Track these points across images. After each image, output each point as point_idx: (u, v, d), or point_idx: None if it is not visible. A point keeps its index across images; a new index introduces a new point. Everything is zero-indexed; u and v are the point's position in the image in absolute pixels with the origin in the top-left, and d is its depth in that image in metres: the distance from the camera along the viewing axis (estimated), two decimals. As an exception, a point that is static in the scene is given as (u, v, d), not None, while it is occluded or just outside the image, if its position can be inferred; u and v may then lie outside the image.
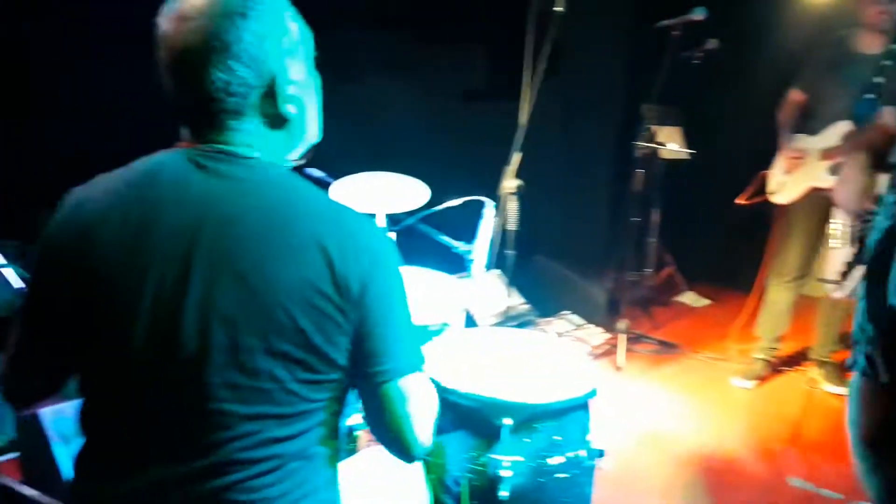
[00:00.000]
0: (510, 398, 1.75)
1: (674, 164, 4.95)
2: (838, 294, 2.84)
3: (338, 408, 1.20)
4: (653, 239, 5.04)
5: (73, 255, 1.11)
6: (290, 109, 1.16)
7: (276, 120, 1.16)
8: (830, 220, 3.21)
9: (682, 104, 4.90)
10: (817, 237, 3.57)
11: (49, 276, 1.15)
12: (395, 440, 1.21)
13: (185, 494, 1.10)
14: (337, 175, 2.68)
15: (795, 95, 3.56)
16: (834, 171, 3.39)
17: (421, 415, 1.21)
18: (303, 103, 1.19)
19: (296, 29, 1.17)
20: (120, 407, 1.14)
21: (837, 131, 3.36)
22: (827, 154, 3.39)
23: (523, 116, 3.23)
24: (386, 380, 1.16)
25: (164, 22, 1.12)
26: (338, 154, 3.11)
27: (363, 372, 1.16)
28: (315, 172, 2.57)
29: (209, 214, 1.09)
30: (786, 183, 3.58)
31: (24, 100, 3.33)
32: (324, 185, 2.54)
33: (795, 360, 4.02)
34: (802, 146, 3.51)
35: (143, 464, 1.12)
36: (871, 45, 3.27)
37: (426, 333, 2.31)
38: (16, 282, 2.01)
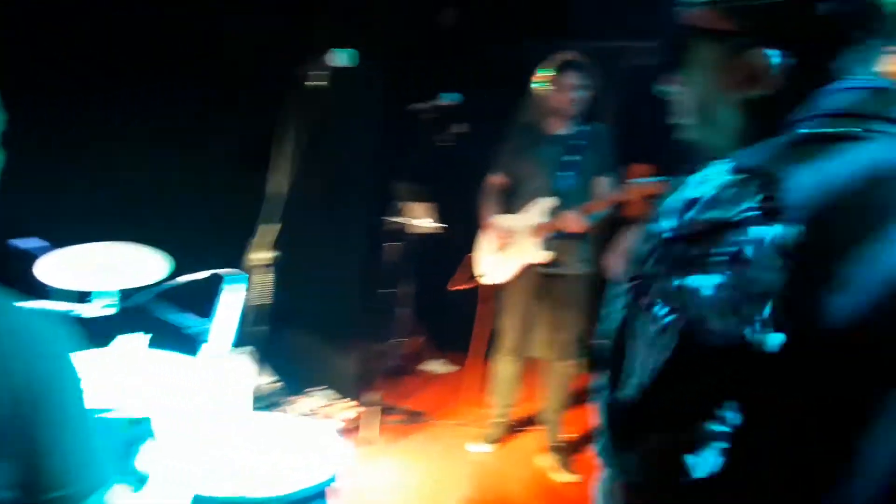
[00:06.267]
0: (239, 494, 1.69)
1: (430, 238, 5.21)
2: None
3: None
4: (403, 309, 5.21)
5: None
6: None
7: None
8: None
9: (436, 182, 5.19)
10: (534, 309, 3.83)
11: None
12: None
13: None
14: (61, 244, 2.44)
15: (495, 179, 3.86)
16: (546, 245, 3.70)
17: None
18: None
19: None
20: None
21: (541, 207, 3.69)
22: (537, 230, 3.70)
23: (273, 187, 3.21)
24: None
25: None
26: (70, 220, 2.86)
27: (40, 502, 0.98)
28: (22, 244, 2.30)
29: None
30: (498, 262, 3.83)
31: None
32: (34, 256, 2.28)
33: (531, 419, 4.18)
34: (508, 224, 3.79)
35: None
36: (558, 127, 3.70)
37: (146, 426, 2.13)
38: None
